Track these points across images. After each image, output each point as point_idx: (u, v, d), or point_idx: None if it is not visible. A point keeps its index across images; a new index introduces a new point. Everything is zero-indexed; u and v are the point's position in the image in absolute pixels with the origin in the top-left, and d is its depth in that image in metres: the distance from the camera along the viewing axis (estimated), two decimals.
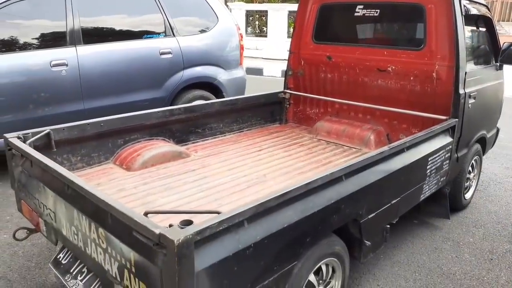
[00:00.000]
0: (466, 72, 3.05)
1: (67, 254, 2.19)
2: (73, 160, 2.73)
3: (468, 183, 3.71)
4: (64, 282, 2.06)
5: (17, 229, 2.41)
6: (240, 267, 1.56)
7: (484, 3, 3.61)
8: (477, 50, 3.50)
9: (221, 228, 1.45)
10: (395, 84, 3.35)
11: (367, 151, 3.21)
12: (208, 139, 3.50)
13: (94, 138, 2.80)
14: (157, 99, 4.58)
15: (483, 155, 3.89)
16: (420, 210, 3.42)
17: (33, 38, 4.01)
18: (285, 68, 4.14)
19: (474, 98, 3.18)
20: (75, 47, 4.09)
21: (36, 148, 2.27)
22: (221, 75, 5.13)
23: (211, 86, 5.07)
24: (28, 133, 2.40)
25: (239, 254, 1.52)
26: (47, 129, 2.51)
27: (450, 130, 3.01)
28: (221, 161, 3.05)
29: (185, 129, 3.35)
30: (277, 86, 4.22)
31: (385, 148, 2.36)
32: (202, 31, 5.04)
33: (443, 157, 2.95)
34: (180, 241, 1.30)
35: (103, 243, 1.69)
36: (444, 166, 3.01)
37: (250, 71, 9.87)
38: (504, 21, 16.19)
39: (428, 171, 2.80)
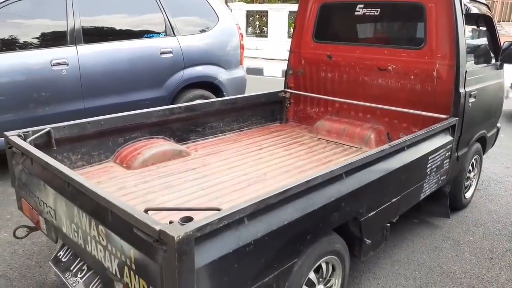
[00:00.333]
0: (466, 71, 3.05)
1: (67, 252, 2.19)
2: (73, 159, 2.73)
3: (468, 182, 3.71)
4: (64, 280, 2.06)
5: (17, 227, 2.41)
6: (241, 264, 1.56)
7: (485, 2, 3.61)
8: (478, 49, 3.50)
9: (221, 225, 1.46)
10: (395, 83, 3.35)
11: (367, 150, 3.21)
12: (208, 138, 3.50)
13: (95, 136, 2.80)
14: (157, 98, 4.58)
15: (483, 154, 3.89)
16: (420, 209, 3.43)
17: (33, 38, 4.01)
18: (285, 68, 4.14)
19: (475, 97, 3.18)
20: (76, 46, 4.10)
21: (36, 146, 2.28)
22: (222, 75, 5.13)
23: (211, 86, 5.08)
24: (29, 131, 2.41)
25: (239, 251, 1.52)
26: (47, 127, 2.52)
27: (451, 129, 3.01)
28: (221, 159, 3.05)
29: (186, 128, 3.35)
30: (277, 86, 4.22)
31: (386, 146, 2.36)
32: (203, 30, 5.04)
33: (444, 156, 2.95)
34: (181, 237, 1.30)
35: (103, 240, 1.69)
36: (444, 165, 3.01)
37: (250, 71, 9.88)
38: (504, 21, 16.18)
39: (428, 170, 2.80)
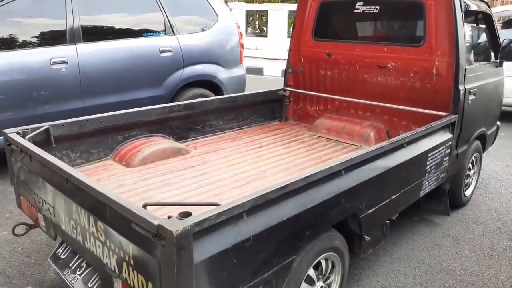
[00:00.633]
0: (466, 69, 3.05)
1: (66, 249, 2.19)
2: (72, 156, 2.73)
3: (468, 180, 3.71)
4: (63, 277, 2.06)
5: (16, 224, 2.41)
6: (239, 260, 1.55)
7: None
8: (477, 46, 3.50)
9: (220, 220, 1.45)
10: (395, 80, 3.35)
11: (367, 148, 3.20)
12: (207, 136, 3.50)
13: (94, 134, 2.80)
14: (157, 97, 4.58)
15: (483, 152, 3.89)
16: (420, 207, 3.42)
17: (33, 36, 4.01)
18: (285, 67, 4.13)
19: (474, 94, 3.18)
20: (75, 45, 4.09)
21: (35, 143, 2.27)
22: (221, 74, 5.13)
23: (211, 85, 5.07)
24: (27, 129, 2.41)
25: (238, 246, 1.52)
26: (46, 124, 2.52)
27: (450, 126, 3.01)
28: (220, 157, 3.05)
29: (185, 126, 3.35)
30: (277, 85, 4.21)
31: (385, 143, 2.36)
32: (202, 29, 5.04)
33: (443, 153, 2.95)
34: (179, 232, 1.30)
35: (101, 236, 1.68)
36: (444, 163, 3.00)
37: (250, 70, 9.86)
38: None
39: (428, 167, 2.80)
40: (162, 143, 3.05)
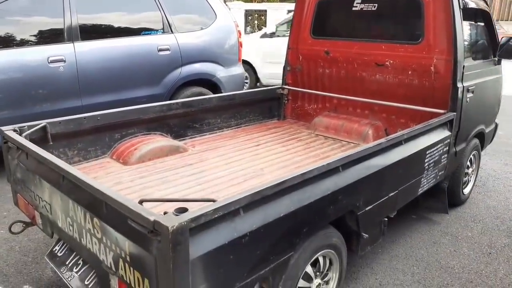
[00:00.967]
0: (464, 66, 3.04)
1: (63, 247, 2.18)
2: (69, 154, 2.72)
3: (466, 178, 3.71)
4: (60, 274, 2.06)
5: (13, 222, 2.40)
6: (236, 256, 1.55)
7: None
8: (475, 44, 3.49)
9: (216, 215, 1.45)
10: (393, 78, 3.35)
11: None
12: (205, 134, 3.49)
13: (91, 132, 2.79)
14: (155, 95, 4.57)
15: (482, 150, 3.88)
16: (419, 204, 3.42)
17: (30, 34, 4.00)
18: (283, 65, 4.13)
19: (472, 92, 3.17)
20: (73, 43, 4.09)
21: (32, 141, 2.26)
22: (220, 72, 5.12)
23: (209, 83, 5.07)
24: (24, 126, 2.40)
25: (235, 242, 1.51)
26: (43, 122, 2.51)
27: (448, 124, 3.00)
28: (218, 155, 3.04)
29: (183, 124, 3.34)
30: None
31: (383, 140, 2.36)
32: (201, 28, 5.03)
33: (441, 150, 2.94)
34: (175, 227, 1.29)
35: (98, 233, 1.68)
36: (442, 160, 3.00)
37: None
38: (503, 20, 16.18)
39: (426, 164, 2.79)
40: (159, 141, 3.04)
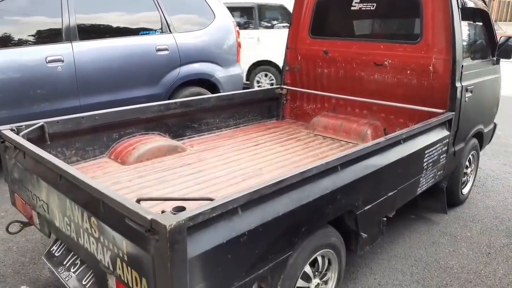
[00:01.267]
0: (462, 66, 3.04)
1: (60, 247, 2.17)
2: (67, 154, 2.71)
3: (465, 178, 3.70)
4: (57, 274, 2.04)
5: (10, 222, 2.39)
6: (234, 255, 1.54)
7: None
8: (474, 44, 3.49)
9: (214, 214, 1.44)
10: (391, 78, 3.34)
11: None
12: (204, 134, 3.49)
13: (89, 131, 2.78)
14: (153, 95, 4.56)
15: (480, 150, 3.88)
16: (418, 204, 3.41)
17: (28, 34, 3.99)
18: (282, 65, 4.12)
19: (471, 92, 3.17)
20: (71, 43, 4.08)
21: (30, 141, 2.24)
22: (218, 72, 5.12)
23: (208, 83, 5.06)
24: (22, 126, 2.39)
25: (233, 241, 1.51)
26: (41, 121, 2.50)
27: (447, 124, 3.00)
28: (217, 155, 3.03)
29: (181, 124, 3.33)
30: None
31: (382, 139, 2.35)
32: (199, 28, 5.02)
33: (440, 150, 2.94)
34: (172, 226, 1.28)
35: (95, 232, 1.67)
36: (441, 160, 3.00)
37: None
38: (501, 21, 16.20)
39: (425, 164, 2.79)
40: (158, 140, 3.03)
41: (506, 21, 16.35)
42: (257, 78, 7.89)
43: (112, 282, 1.66)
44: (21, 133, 2.31)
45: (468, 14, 3.32)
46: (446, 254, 2.98)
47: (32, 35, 4.01)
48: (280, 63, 8.00)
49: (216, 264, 1.49)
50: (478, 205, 3.77)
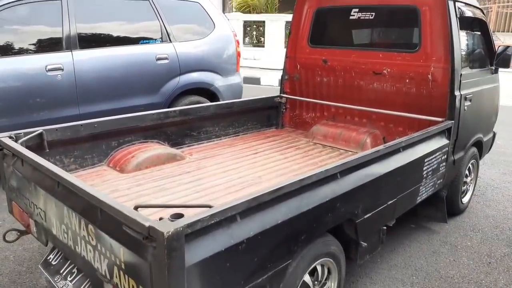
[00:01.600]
0: (461, 74, 3.05)
1: (57, 255, 2.15)
2: (66, 162, 2.70)
3: (465, 187, 3.69)
4: (54, 283, 2.02)
5: (7, 230, 2.37)
6: (233, 263, 1.52)
7: (478, 6, 3.63)
8: (472, 53, 3.51)
9: (212, 221, 1.42)
10: (390, 86, 3.35)
11: None
12: (203, 142, 3.48)
13: (88, 139, 2.78)
14: (153, 104, 4.55)
15: (480, 159, 3.87)
16: (417, 214, 3.40)
17: (29, 43, 4.00)
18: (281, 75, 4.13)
19: (470, 100, 3.18)
20: (71, 52, 4.09)
21: (28, 148, 2.23)
22: (218, 81, 5.12)
23: (207, 92, 5.06)
24: (20, 133, 2.38)
25: (231, 249, 1.49)
26: (39, 129, 2.49)
27: (446, 132, 3.00)
28: (216, 163, 3.02)
29: (180, 132, 3.33)
30: (274, 94, 4.19)
31: (381, 147, 2.35)
32: (199, 37, 5.04)
33: (440, 159, 2.93)
34: (170, 233, 1.27)
35: (92, 240, 1.65)
36: (440, 168, 2.99)
37: (247, 80, 9.89)
38: (499, 31, 16.30)
39: (425, 172, 2.78)
40: (156, 149, 3.03)
41: (504, 31, 16.44)
42: None
43: None
44: (20, 141, 2.31)
45: (467, 23, 3.34)
46: (447, 264, 2.96)
47: (32, 44, 4.02)
48: None
49: (215, 272, 1.47)
50: (478, 215, 3.75)
